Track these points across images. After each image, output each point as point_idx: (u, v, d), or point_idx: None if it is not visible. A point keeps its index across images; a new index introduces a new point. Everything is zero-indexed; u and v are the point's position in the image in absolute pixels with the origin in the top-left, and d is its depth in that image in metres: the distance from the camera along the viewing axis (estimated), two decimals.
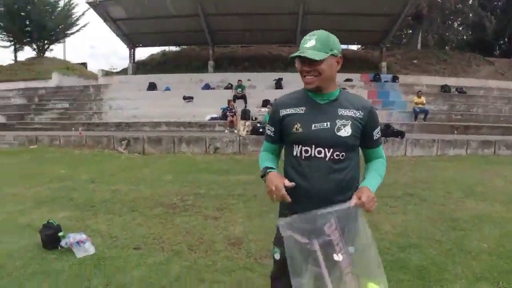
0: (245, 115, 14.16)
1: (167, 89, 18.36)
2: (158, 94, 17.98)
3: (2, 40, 31.96)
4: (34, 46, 32.78)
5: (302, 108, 1.91)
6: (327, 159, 1.84)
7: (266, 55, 24.11)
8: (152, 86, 18.68)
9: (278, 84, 18.32)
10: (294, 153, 1.92)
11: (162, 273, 3.55)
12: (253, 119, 14.38)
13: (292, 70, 20.10)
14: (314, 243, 1.73)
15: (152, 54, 27.78)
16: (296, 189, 1.88)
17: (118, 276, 3.49)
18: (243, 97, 16.54)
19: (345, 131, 1.83)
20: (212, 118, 15.28)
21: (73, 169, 9.17)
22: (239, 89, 16.84)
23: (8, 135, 14.83)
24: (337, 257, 1.70)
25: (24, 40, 32.34)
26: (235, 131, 13.26)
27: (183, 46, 27.01)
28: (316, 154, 1.85)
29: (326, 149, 1.83)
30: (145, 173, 8.50)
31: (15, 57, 33.53)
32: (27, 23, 30.75)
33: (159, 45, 26.21)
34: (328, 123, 1.84)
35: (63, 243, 4.02)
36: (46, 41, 32.77)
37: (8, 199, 6.53)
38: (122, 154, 11.51)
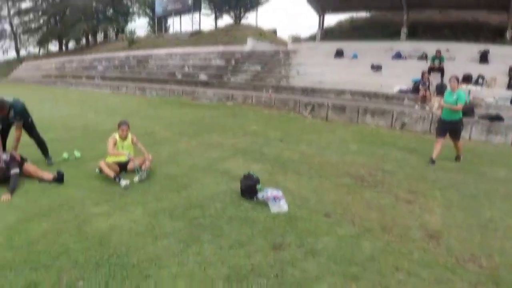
0: (441, 90, 12.40)
1: (355, 56, 17.69)
2: (345, 62, 17.48)
3: (205, 9, 36.54)
4: (232, 14, 36.48)
5: None
6: None
7: (470, 23, 20.40)
8: (339, 53, 18.30)
9: (483, 58, 15.30)
10: None
11: (354, 248, 3.33)
12: None
13: (502, 41, 16.71)
14: None
15: (340, 21, 27.24)
16: None
17: (309, 239, 3.43)
18: (441, 70, 14.52)
19: None
20: (401, 91, 14.02)
21: (263, 127, 9.83)
22: (437, 61, 14.80)
23: (209, 92, 17.02)
24: None
25: (223, 9, 36.26)
26: (427, 108, 11.84)
27: (373, 12, 25.47)
28: None
29: None
30: (329, 139, 8.40)
31: (216, 24, 38.21)
32: None
33: (349, 11, 25.41)
34: None
35: (259, 195, 4.20)
36: (242, 9, 35.93)
37: (211, 147, 7.41)
38: (306, 118, 11.74)
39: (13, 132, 5.76)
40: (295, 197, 4.52)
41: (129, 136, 5.62)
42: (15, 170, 4.83)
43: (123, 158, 5.43)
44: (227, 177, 5.37)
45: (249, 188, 4.36)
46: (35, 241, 3.38)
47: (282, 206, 4.00)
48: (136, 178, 5.13)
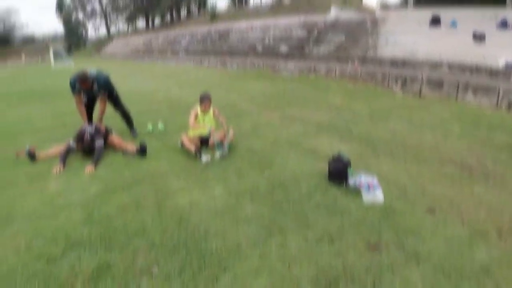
0: None
1: (453, 24, 15.73)
2: (442, 31, 15.55)
3: None
4: None
5: None
6: None
7: None
8: (435, 21, 16.38)
9: None
10: None
11: (465, 255, 2.75)
12: None
13: None
14: None
15: None
16: None
17: (411, 240, 2.92)
18: None
19: None
20: (508, 65, 12.16)
21: (348, 101, 9.16)
22: None
23: (289, 64, 16.49)
24: None
25: None
26: None
27: None
28: None
29: None
30: (424, 118, 7.46)
31: None
32: None
33: None
34: None
35: (351, 181, 3.71)
36: None
37: (293, 121, 7.06)
38: (396, 93, 10.71)
39: (98, 105, 5.91)
40: (391, 185, 3.95)
41: (211, 109, 5.46)
42: (99, 142, 4.95)
43: (204, 131, 5.29)
44: (311, 156, 4.99)
45: (339, 172, 3.86)
46: (113, 216, 3.37)
47: (377, 196, 3.48)
48: (217, 154, 4.98)
